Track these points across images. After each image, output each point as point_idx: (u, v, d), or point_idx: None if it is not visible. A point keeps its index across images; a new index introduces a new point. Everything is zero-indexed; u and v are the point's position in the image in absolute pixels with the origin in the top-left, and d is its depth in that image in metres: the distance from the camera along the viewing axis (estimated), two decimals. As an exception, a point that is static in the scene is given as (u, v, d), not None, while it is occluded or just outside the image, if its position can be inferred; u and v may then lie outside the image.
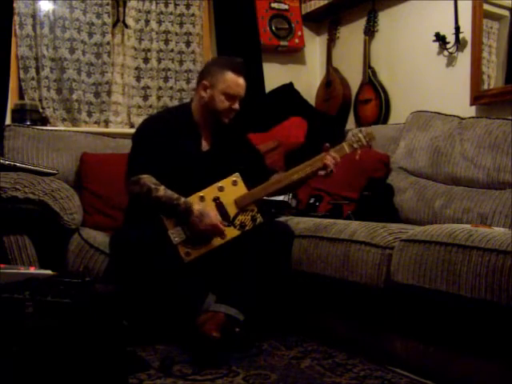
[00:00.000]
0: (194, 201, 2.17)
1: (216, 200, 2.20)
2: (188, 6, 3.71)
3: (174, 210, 2.14)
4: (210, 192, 2.20)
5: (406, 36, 3.33)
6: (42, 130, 2.95)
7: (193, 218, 2.12)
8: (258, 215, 2.21)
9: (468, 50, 2.90)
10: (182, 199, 2.15)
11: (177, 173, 2.22)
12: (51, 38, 3.29)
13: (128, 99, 3.54)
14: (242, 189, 2.22)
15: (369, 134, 2.29)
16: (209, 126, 2.35)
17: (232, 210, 2.20)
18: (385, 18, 3.47)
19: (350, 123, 3.65)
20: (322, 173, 2.24)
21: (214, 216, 2.14)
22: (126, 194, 2.29)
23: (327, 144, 2.23)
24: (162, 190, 2.15)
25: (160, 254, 2.10)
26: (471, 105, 2.85)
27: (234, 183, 2.22)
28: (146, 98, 3.58)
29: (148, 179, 2.17)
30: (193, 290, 2.12)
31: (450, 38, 2.96)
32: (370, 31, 3.49)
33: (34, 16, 3.24)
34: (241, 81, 2.29)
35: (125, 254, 2.10)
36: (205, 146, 2.35)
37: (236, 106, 2.30)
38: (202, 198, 2.19)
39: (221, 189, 2.21)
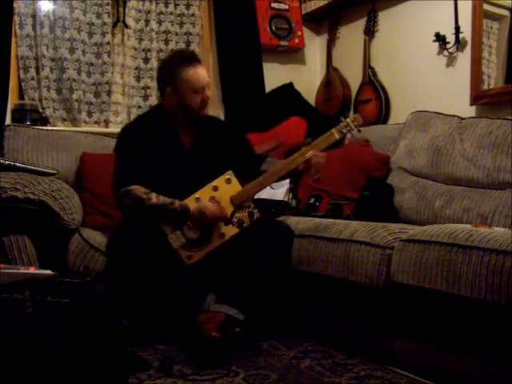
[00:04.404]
0: (190, 203, 2.16)
1: (212, 200, 2.20)
2: (188, 6, 3.71)
3: (171, 215, 2.14)
4: (205, 192, 2.20)
5: (406, 36, 3.33)
6: (42, 129, 2.95)
7: (192, 217, 2.12)
8: (255, 211, 2.21)
9: (468, 50, 2.90)
10: (177, 202, 2.14)
11: (164, 176, 2.20)
12: (51, 37, 3.29)
13: (128, 99, 3.54)
14: (236, 186, 2.22)
15: (356, 118, 2.29)
16: (187, 124, 2.32)
17: (229, 209, 2.20)
18: (385, 18, 3.47)
19: (350, 123, 3.65)
20: (313, 176, 2.26)
21: (211, 206, 2.14)
22: (118, 206, 2.27)
23: (308, 139, 2.21)
24: (155, 198, 2.13)
25: (159, 255, 2.09)
26: (471, 105, 2.85)
27: (228, 181, 2.22)
28: (145, 98, 3.58)
29: (138, 189, 2.15)
30: (193, 290, 2.12)
31: (450, 38, 2.96)
32: (370, 31, 3.49)
33: (34, 16, 3.25)
34: (200, 70, 2.24)
35: (123, 256, 2.09)
36: (186, 144, 2.33)
37: (206, 95, 2.26)
38: (197, 200, 2.18)
39: (215, 188, 2.21)
